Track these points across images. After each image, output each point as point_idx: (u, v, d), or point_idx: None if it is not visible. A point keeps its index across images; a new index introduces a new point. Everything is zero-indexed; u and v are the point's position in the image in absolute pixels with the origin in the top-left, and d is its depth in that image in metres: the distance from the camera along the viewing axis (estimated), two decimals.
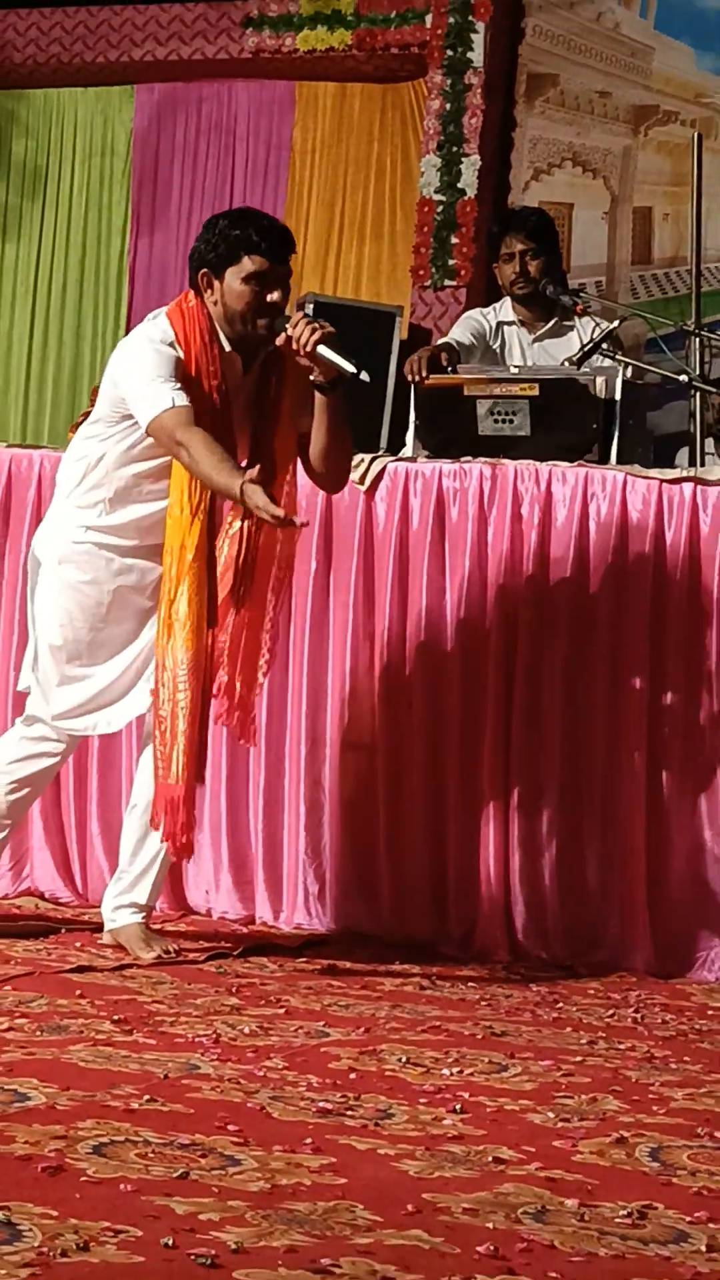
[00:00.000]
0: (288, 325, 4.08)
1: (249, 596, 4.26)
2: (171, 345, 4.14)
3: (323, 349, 4.04)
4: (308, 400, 4.20)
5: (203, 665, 4.15)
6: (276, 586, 4.34)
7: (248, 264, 4.13)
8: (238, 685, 4.29)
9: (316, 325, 4.05)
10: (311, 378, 4.12)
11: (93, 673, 4.27)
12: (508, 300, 5.64)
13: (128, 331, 7.09)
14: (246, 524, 4.20)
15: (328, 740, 4.78)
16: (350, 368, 4.04)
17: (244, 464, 4.07)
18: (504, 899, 4.57)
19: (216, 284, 4.17)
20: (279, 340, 4.12)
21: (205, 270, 4.17)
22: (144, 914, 4.27)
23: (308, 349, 4.04)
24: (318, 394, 4.15)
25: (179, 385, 4.09)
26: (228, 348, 4.19)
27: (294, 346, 4.06)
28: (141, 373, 4.10)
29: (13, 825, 4.46)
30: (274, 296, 4.16)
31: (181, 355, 4.13)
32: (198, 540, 4.14)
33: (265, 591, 4.31)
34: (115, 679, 4.27)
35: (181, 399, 4.08)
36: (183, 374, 4.11)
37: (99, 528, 4.25)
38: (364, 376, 4.07)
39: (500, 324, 5.61)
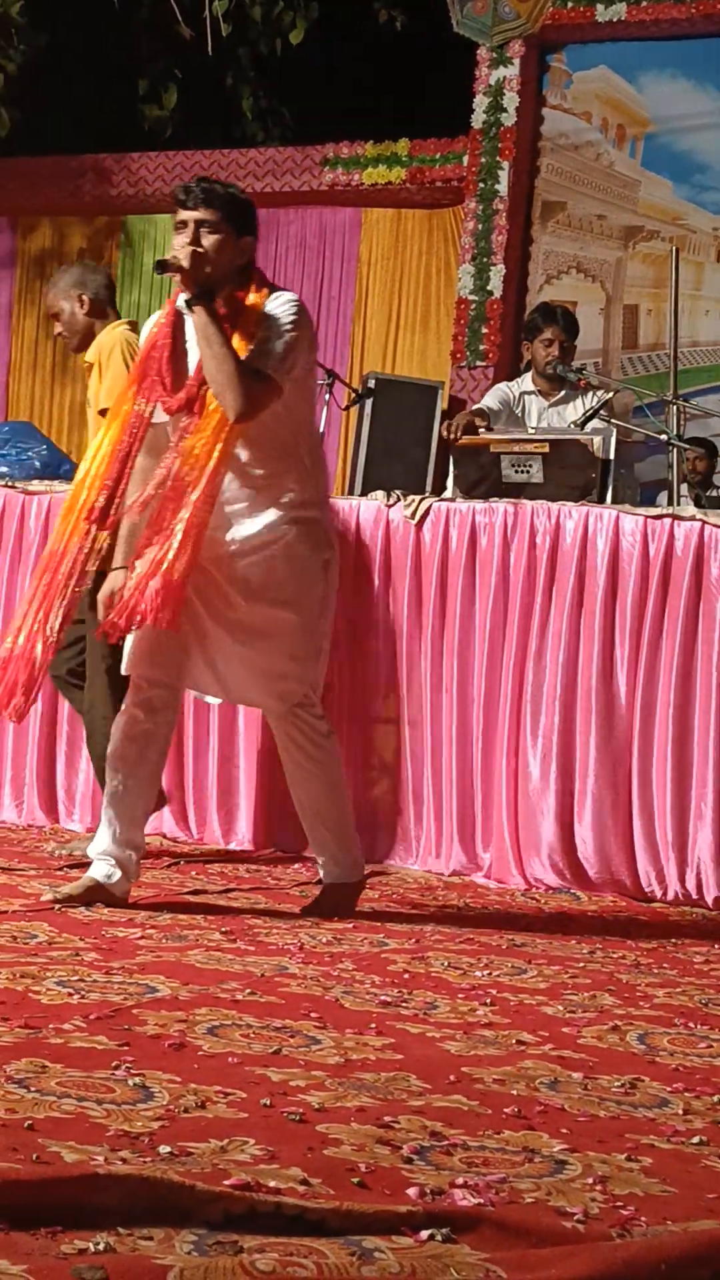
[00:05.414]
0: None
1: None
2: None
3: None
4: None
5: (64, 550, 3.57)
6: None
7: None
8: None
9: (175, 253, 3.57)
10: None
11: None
12: (528, 375, 5.61)
13: None
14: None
15: (381, 717, 4.76)
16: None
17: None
18: (516, 842, 4.54)
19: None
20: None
21: None
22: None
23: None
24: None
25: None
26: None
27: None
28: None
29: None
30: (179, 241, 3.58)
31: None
32: (110, 440, 3.63)
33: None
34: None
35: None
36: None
37: None
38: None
39: (522, 393, 5.58)
